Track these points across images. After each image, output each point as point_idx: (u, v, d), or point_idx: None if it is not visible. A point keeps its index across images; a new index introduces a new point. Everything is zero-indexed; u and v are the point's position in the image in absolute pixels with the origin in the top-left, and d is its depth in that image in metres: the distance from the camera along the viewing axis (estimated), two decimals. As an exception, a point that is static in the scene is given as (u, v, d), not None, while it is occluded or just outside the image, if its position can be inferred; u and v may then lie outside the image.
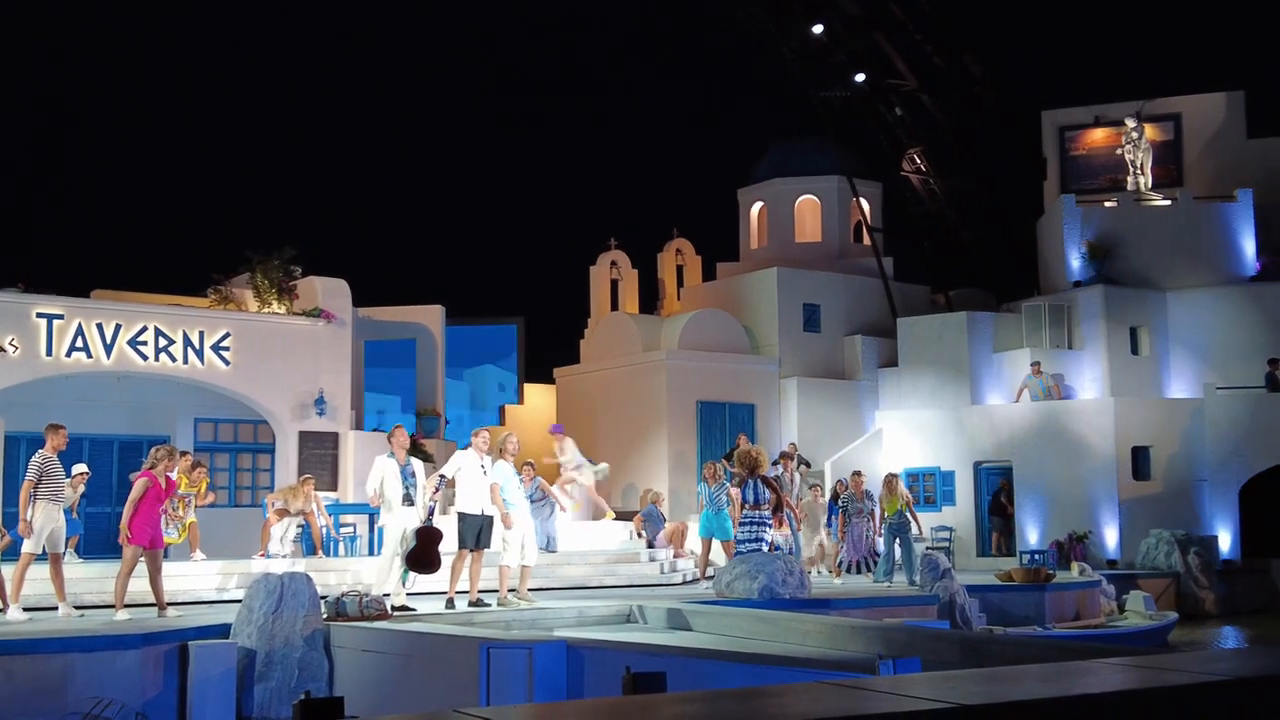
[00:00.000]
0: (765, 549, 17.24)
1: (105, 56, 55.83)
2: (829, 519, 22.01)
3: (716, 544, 19.88)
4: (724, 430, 28.95)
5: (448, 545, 15.33)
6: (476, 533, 14.99)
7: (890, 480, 20.69)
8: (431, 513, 15.20)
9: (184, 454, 18.54)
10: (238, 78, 61.21)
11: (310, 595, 13.11)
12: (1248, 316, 29.73)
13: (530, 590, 15.70)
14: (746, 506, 17.54)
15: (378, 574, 15.16)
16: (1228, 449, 28.15)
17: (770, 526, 17.82)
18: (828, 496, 23.08)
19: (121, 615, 13.90)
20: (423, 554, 14.76)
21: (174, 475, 16.01)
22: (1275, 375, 28.56)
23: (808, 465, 25.64)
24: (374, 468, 15.10)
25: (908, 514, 20.21)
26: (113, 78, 56.90)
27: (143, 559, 14.42)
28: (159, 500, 14.71)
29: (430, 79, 64.91)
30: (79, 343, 21.12)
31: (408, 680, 11.84)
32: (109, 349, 21.37)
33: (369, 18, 64.39)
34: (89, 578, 16.41)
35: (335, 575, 17.79)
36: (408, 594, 15.08)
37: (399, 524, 14.83)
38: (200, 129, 60.92)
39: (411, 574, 15.09)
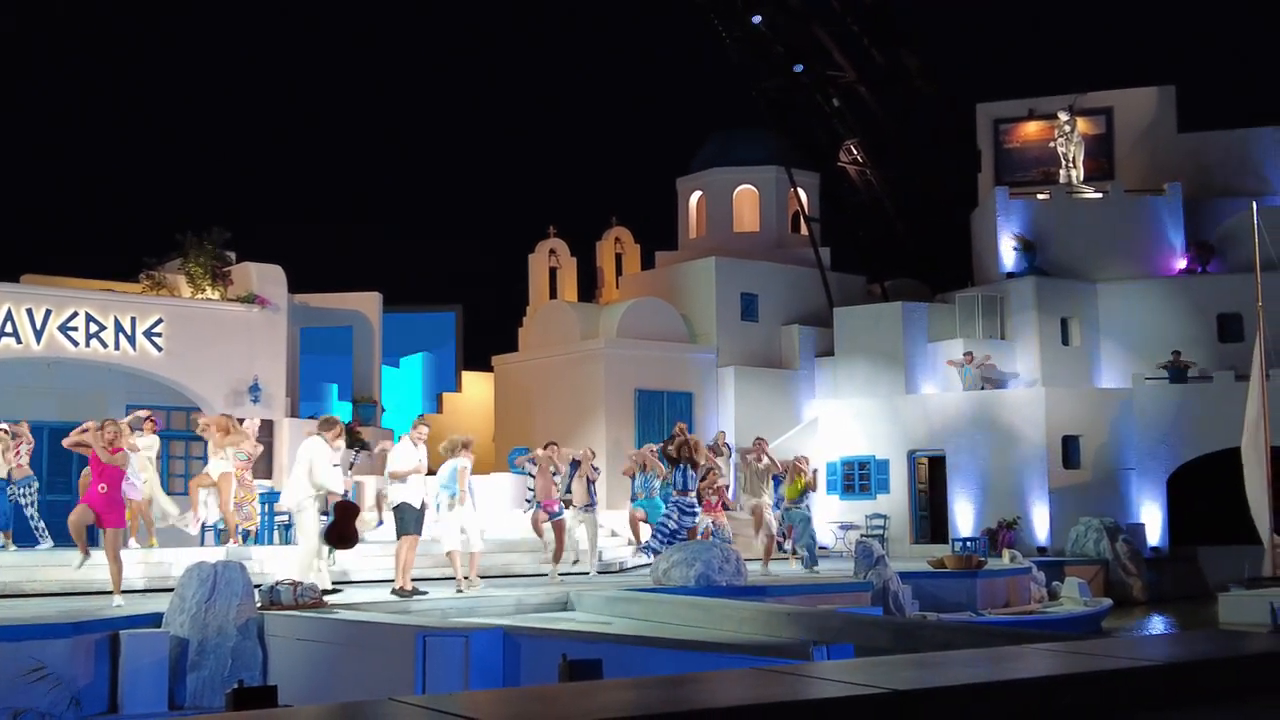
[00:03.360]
0: (685, 536, 17.43)
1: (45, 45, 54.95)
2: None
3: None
4: (661, 419, 28.99)
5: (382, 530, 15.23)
6: (416, 519, 14.97)
7: (797, 463, 21.03)
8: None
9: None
10: (164, 60, 60.54)
11: (244, 584, 12.99)
12: (1176, 308, 30.18)
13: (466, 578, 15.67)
14: (676, 491, 17.73)
15: (300, 564, 14.75)
16: (1155, 438, 28.63)
17: (697, 514, 18.03)
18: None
19: (118, 600, 13.67)
20: (342, 529, 14.45)
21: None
22: (1179, 365, 29.02)
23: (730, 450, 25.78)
24: (304, 449, 14.61)
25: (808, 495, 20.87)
26: (43, 62, 55.99)
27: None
28: (117, 479, 14.32)
29: (368, 67, 64.49)
30: (9, 328, 20.79)
31: (343, 669, 11.79)
32: (39, 334, 21.04)
33: None
34: (18, 565, 16.17)
35: (270, 563, 17.62)
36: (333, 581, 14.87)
37: (315, 514, 14.49)
38: (131, 115, 60.13)
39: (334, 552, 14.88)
